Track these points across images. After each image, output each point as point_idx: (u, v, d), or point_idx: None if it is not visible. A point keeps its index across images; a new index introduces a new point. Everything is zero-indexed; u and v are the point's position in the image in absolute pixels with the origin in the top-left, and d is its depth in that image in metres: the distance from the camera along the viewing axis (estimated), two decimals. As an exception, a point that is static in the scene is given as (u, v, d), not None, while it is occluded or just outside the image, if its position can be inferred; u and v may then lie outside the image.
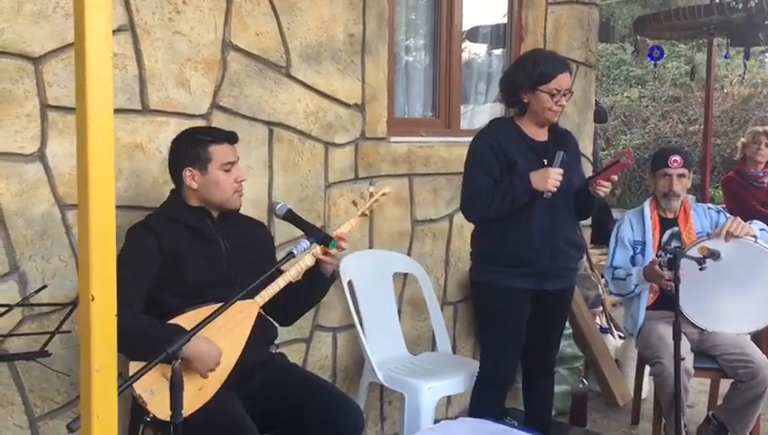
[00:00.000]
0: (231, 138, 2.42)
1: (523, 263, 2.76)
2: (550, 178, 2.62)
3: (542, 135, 2.81)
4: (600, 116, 6.58)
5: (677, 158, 3.32)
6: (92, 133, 0.86)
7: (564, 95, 2.72)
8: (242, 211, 2.61)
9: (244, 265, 2.40)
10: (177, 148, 2.42)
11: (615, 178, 2.74)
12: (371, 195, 2.48)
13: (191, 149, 2.37)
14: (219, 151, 2.37)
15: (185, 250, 2.33)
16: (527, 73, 2.72)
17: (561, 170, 2.65)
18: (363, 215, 2.48)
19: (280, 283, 2.33)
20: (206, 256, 2.37)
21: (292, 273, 2.35)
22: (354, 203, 2.50)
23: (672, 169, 3.31)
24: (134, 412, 2.34)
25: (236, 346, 2.27)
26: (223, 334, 2.22)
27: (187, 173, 2.36)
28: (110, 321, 0.89)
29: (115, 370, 0.91)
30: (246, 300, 2.29)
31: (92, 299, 0.87)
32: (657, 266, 3.05)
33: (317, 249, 2.36)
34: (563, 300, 2.98)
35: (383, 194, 2.51)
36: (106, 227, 0.88)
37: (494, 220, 2.77)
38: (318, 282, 2.48)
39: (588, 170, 4.41)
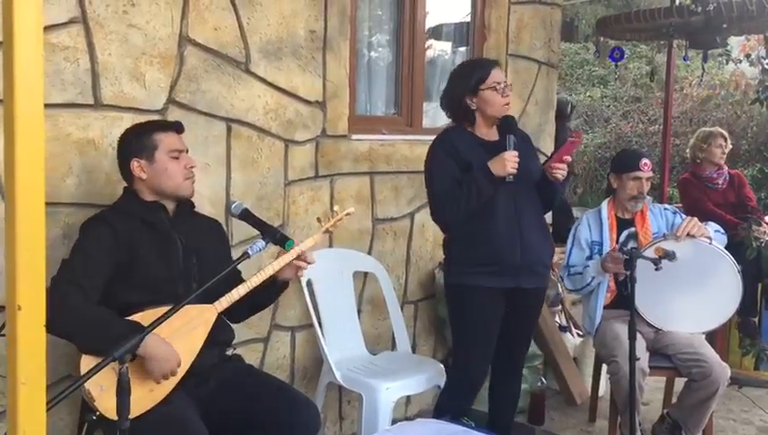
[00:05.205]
0: (176, 126, 2.41)
1: (496, 260, 2.75)
2: (507, 162, 2.69)
3: (493, 135, 2.87)
4: (561, 110, 6.56)
5: (648, 161, 3.38)
6: (21, 135, 0.81)
7: (505, 87, 2.81)
8: (199, 210, 2.57)
9: (201, 262, 2.38)
10: (123, 142, 2.39)
11: (569, 158, 2.80)
12: (336, 213, 2.48)
13: (136, 139, 2.34)
14: (165, 139, 2.34)
15: (141, 243, 2.28)
16: (464, 82, 2.83)
17: (515, 152, 2.72)
18: (326, 232, 2.48)
19: (240, 290, 2.29)
20: (162, 250, 2.32)
21: (254, 281, 2.31)
22: (318, 220, 2.49)
23: (643, 173, 3.35)
24: (82, 410, 2.28)
25: (191, 350, 2.22)
26: (178, 337, 2.17)
27: (134, 164, 2.32)
28: (37, 332, 0.84)
29: (43, 383, 0.87)
30: (205, 305, 2.25)
31: (19, 309, 0.83)
32: (616, 254, 3.07)
33: (293, 252, 2.34)
34: (537, 299, 2.98)
35: (347, 214, 2.51)
36: (34, 232, 0.83)
37: (461, 221, 2.77)
38: (270, 287, 2.42)
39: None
